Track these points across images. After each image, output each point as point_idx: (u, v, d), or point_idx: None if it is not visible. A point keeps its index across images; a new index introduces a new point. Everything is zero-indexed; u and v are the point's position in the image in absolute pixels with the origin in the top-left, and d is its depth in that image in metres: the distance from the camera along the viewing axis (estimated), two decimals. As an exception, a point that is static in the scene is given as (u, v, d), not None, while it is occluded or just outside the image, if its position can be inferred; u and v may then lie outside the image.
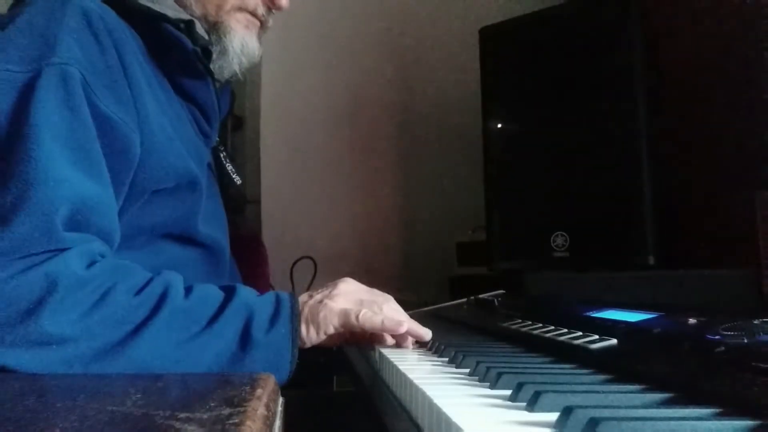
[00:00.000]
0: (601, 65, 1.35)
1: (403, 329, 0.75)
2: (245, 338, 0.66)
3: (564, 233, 1.35)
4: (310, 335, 0.74)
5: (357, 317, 0.73)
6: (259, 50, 0.92)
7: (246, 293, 0.71)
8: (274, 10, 0.92)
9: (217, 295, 0.69)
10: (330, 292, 0.77)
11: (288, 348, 0.68)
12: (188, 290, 0.67)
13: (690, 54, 1.40)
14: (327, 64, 2.12)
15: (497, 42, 1.55)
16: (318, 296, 0.76)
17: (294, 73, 2.09)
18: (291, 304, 0.71)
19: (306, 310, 0.74)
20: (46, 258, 0.58)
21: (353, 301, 0.76)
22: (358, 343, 0.84)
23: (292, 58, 2.05)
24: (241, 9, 0.89)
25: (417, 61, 2.11)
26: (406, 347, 0.80)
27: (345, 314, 0.74)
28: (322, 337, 0.74)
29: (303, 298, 0.76)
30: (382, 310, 0.76)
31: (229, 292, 0.70)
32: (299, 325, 0.71)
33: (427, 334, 0.79)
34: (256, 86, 2.08)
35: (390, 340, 0.81)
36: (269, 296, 0.72)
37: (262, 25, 0.92)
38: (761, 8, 1.18)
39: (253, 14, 0.90)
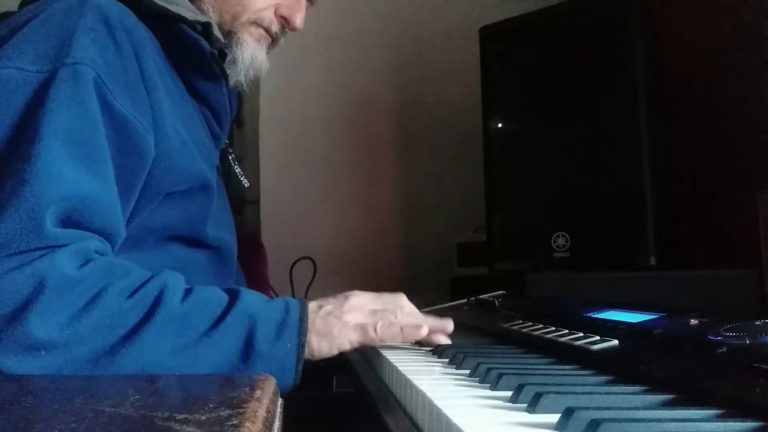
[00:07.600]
0: (602, 65, 1.35)
1: (423, 332, 0.73)
2: (247, 349, 0.62)
3: (565, 233, 1.35)
4: (321, 349, 0.69)
5: (375, 330, 0.70)
6: (266, 64, 0.92)
7: (251, 299, 0.66)
8: (288, 30, 0.93)
9: (219, 299, 0.65)
10: (342, 306, 0.73)
11: (293, 364, 0.64)
12: (188, 292, 0.64)
13: (691, 53, 1.40)
14: (327, 64, 2.11)
15: (497, 41, 1.55)
16: (328, 307, 0.72)
17: (293, 74, 2.09)
18: (300, 315, 0.67)
19: (318, 322, 0.69)
20: (35, 257, 0.56)
21: (367, 314, 0.72)
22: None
23: (291, 58, 2.05)
24: (255, 23, 0.89)
25: (417, 61, 2.11)
26: (439, 342, 0.75)
27: (362, 329, 0.70)
28: (335, 352, 0.70)
29: (312, 307, 0.71)
30: (398, 319, 0.73)
31: (233, 297, 0.65)
32: (307, 339, 0.67)
33: (448, 324, 0.76)
34: (256, 87, 2.07)
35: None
36: (278, 303, 0.68)
37: (273, 41, 0.93)
38: (761, 8, 1.18)
39: (267, 30, 0.91)
